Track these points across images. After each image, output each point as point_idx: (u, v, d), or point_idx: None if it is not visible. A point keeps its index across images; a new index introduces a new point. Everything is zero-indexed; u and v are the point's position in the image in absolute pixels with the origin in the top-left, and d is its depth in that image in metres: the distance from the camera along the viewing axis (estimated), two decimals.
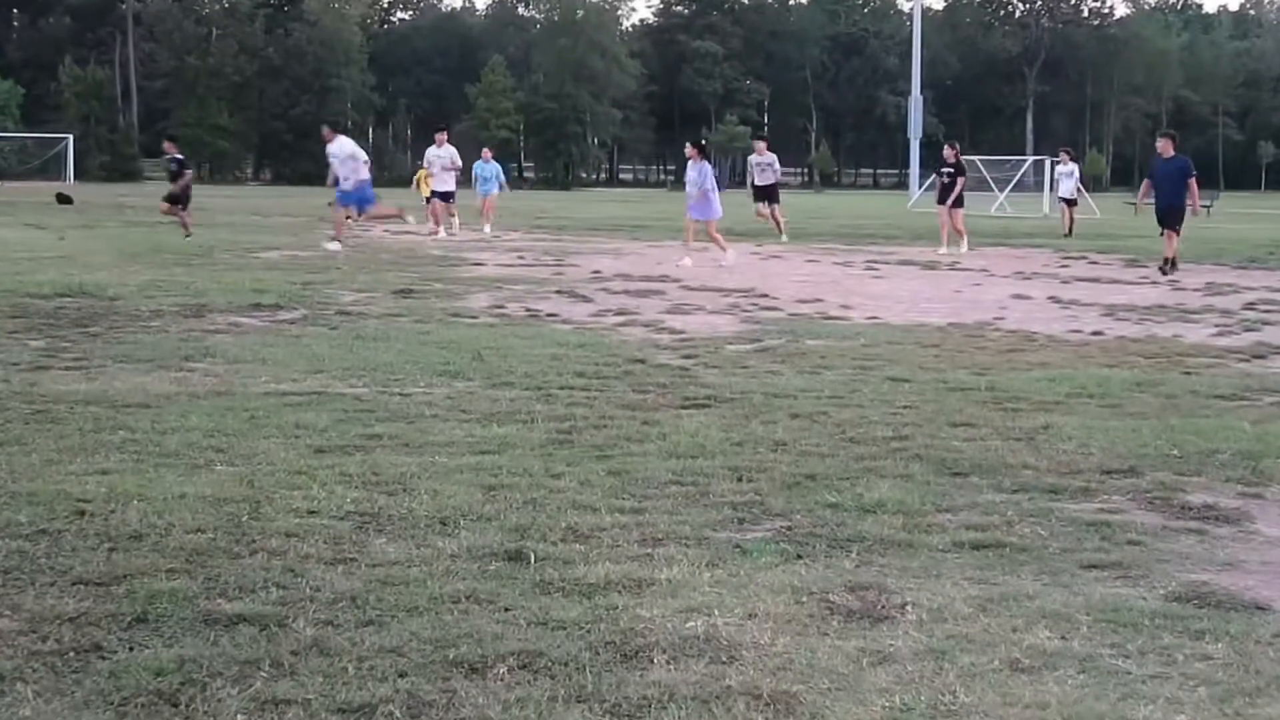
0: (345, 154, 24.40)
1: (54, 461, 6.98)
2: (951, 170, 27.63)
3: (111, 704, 3.98)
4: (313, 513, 6.05)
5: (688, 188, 22.70)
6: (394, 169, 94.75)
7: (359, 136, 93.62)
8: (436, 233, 29.19)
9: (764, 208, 30.45)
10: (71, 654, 4.34)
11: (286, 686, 4.11)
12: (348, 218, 25.28)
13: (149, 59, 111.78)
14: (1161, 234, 22.31)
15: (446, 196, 30.29)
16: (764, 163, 30.28)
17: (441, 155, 30.29)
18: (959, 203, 27.43)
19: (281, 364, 10.49)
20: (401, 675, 4.22)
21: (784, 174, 35.83)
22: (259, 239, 27.37)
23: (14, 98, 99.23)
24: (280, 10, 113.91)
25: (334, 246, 23.75)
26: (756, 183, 30.83)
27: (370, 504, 6.22)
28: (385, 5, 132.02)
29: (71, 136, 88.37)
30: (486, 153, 33.73)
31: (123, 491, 6.31)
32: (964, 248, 26.62)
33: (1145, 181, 23.78)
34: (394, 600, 4.91)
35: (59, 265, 19.32)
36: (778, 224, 30.18)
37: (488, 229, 30.95)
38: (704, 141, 23.19)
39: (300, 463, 7.04)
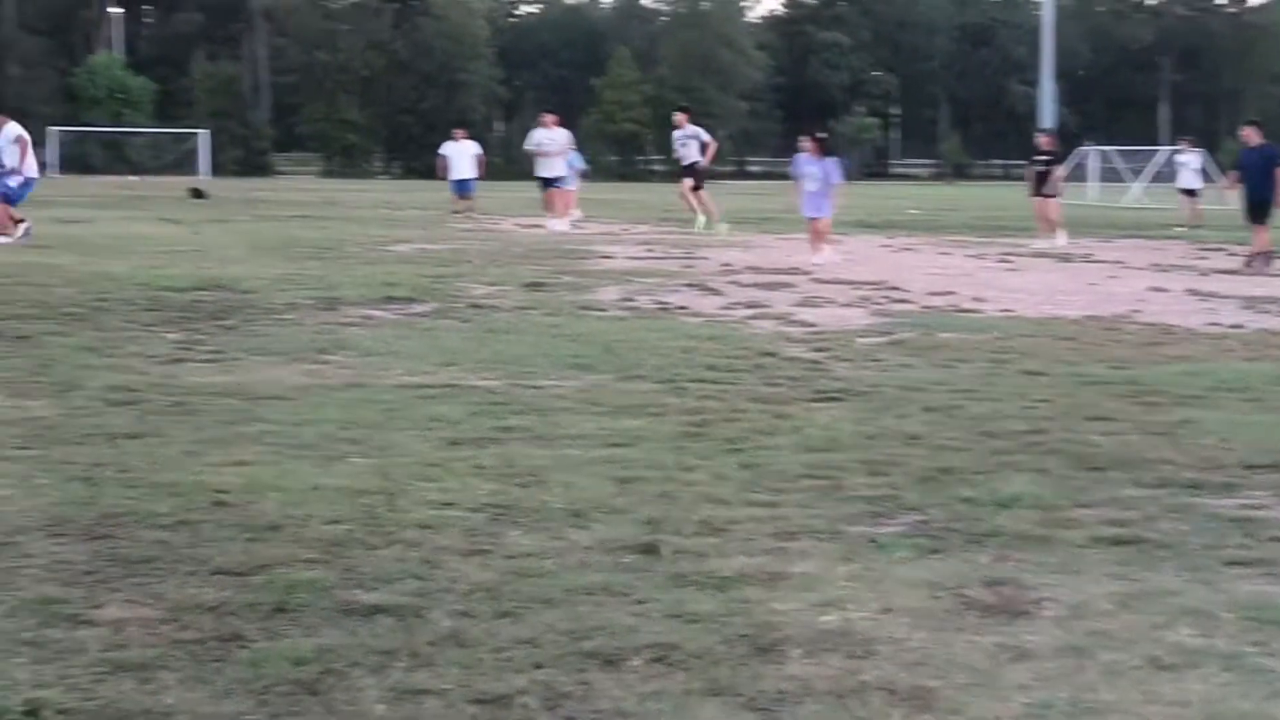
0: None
1: (193, 453, 7.07)
2: (1048, 159, 27.06)
3: (252, 692, 4.02)
4: (448, 505, 6.08)
5: (805, 183, 21.75)
6: (522, 162, 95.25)
7: (486, 130, 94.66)
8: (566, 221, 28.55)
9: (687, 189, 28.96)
10: (213, 642, 4.39)
11: (424, 677, 4.14)
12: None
13: (279, 54, 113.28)
14: (1252, 226, 21.65)
15: (554, 183, 29.44)
16: (684, 136, 28.92)
17: (554, 138, 29.14)
18: (1054, 192, 26.83)
19: (414, 357, 10.56)
20: (537, 666, 4.23)
21: (914, 164, 35.21)
22: (390, 233, 27.60)
23: (147, 93, 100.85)
24: (407, 5, 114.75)
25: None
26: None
27: (504, 496, 6.25)
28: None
29: (205, 131, 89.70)
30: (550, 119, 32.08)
31: (260, 483, 6.39)
32: (1060, 240, 25.94)
33: (1232, 172, 23.12)
34: (529, 592, 4.92)
35: (194, 259, 19.61)
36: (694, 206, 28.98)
37: (561, 221, 29.36)
38: (825, 135, 22.50)
39: (434, 455, 7.09)
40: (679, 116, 29.59)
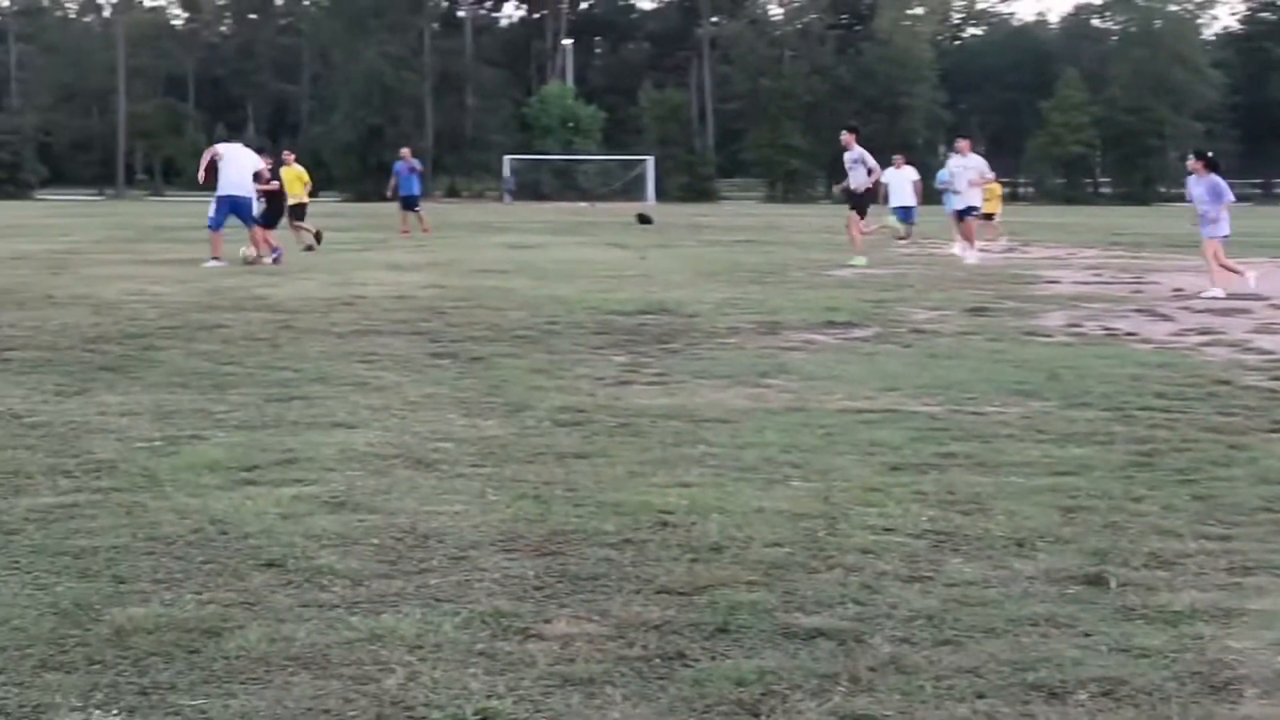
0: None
1: (637, 473, 7.22)
2: None
3: (695, 711, 4.07)
4: (888, 530, 6.05)
5: (1197, 206, 19.91)
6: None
7: (928, 154, 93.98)
8: (995, 247, 27.38)
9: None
10: (657, 660, 4.46)
11: (864, 702, 4.11)
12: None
13: (724, 81, 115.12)
14: None
15: (967, 212, 27.96)
16: (852, 160, 26.28)
17: (969, 165, 27.24)
18: None
19: (855, 381, 10.55)
20: (980, 696, 4.16)
21: None
22: (831, 257, 27.67)
23: (596, 122, 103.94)
24: (851, 30, 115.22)
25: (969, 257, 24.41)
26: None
27: (946, 523, 6.17)
28: (956, 22, 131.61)
29: (651, 158, 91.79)
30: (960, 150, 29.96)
31: (703, 504, 6.47)
32: None
33: None
34: (971, 620, 4.85)
35: (640, 283, 20.06)
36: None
37: (958, 249, 27.83)
38: (1210, 154, 21.21)
39: (875, 480, 7.06)
40: (847, 137, 26.97)
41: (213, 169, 23.92)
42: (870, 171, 26.30)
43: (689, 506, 6.43)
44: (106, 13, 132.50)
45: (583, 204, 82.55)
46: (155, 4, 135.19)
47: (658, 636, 4.68)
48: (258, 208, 24.78)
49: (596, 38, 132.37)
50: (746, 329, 14.16)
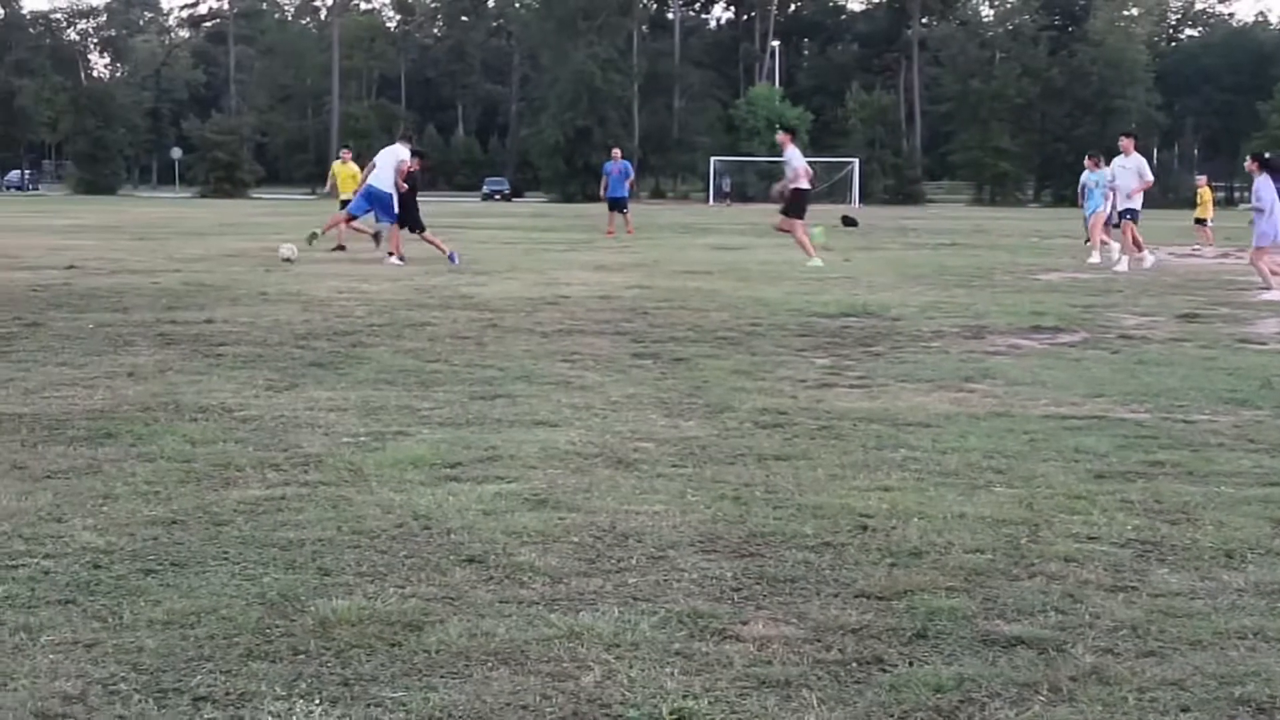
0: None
1: (837, 476, 7.18)
2: None
3: (891, 716, 4.03)
4: (1092, 539, 5.94)
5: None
6: (1179, 189, 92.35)
7: (1144, 155, 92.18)
8: (1141, 257, 25.85)
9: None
10: (854, 664, 4.43)
11: (1064, 712, 4.04)
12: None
13: (933, 83, 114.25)
14: None
15: (1126, 215, 26.80)
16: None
17: (1127, 167, 25.83)
18: None
19: (1061, 387, 10.38)
20: (1184, 710, 4.07)
21: None
22: (1039, 261, 27.29)
23: (803, 123, 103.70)
24: (1064, 31, 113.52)
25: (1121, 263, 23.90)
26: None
27: (1151, 532, 6.05)
28: (1173, 23, 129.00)
29: (857, 160, 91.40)
30: (1091, 161, 29.18)
31: (903, 508, 6.42)
32: None
33: None
34: (1176, 632, 4.74)
35: (844, 286, 19.96)
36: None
37: (1096, 256, 26.91)
38: (1268, 155, 20.30)
39: (1079, 487, 6.94)
40: (782, 137, 26.24)
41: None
42: (797, 175, 24.86)
43: (889, 510, 6.38)
44: (323, 15, 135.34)
45: (757, 205, 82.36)
46: (370, 6, 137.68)
47: (855, 640, 4.65)
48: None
49: (805, 39, 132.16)
50: (951, 333, 14.01)
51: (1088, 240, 28.43)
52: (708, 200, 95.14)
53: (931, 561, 5.59)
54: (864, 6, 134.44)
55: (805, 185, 25.05)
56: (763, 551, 5.74)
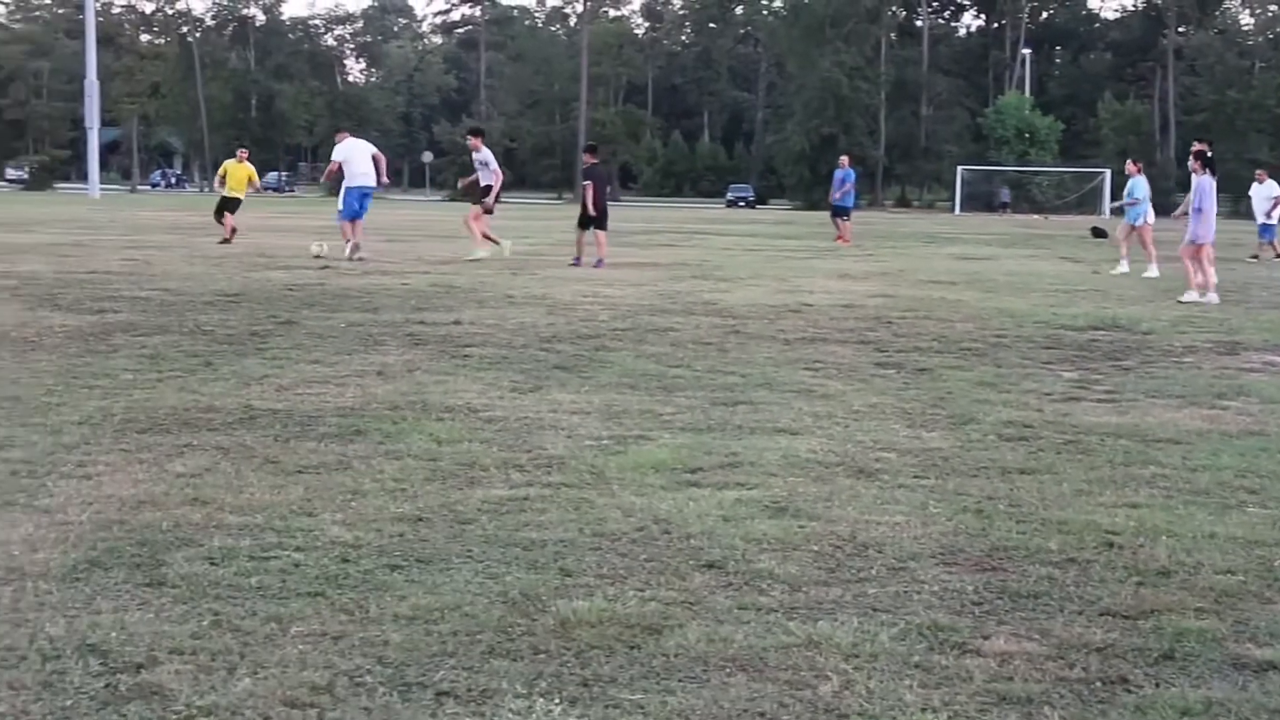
0: None
1: (1084, 492, 7.05)
2: None
3: None
4: None
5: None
6: None
7: None
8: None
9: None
10: (1097, 684, 4.35)
11: None
12: None
13: (1188, 93, 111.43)
14: None
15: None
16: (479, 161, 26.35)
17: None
18: None
19: None
20: None
21: None
22: None
23: (1054, 133, 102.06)
24: None
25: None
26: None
27: None
28: None
29: (1108, 171, 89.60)
30: (1132, 166, 27.86)
31: (1151, 526, 6.28)
32: None
33: None
34: None
35: (1092, 298, 19.59)
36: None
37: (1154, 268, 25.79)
38: (1210, 154, 19.48)
39: None
40: (473, 140, 27.61)
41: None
42: (494, 174, 26.32)
43: (1137, 528, 6.24)
44: (573, 22, 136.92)
45: (1035, 216, 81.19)
46: (619, 13, 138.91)
47: (1099, 659, 4.56)
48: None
49: (1056, 47, 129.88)
50: (1203, 348, 13.66)
51: None
52: (953, 209, 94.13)
53: (1180, 581, 5.45)
54: (1118, 14, 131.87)
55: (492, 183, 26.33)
56: (1005, 566, 5.66)
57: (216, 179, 32.24)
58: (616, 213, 29.95)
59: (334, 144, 27.26)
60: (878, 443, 8.29)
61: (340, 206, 26.31)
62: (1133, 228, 26.97)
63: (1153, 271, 25.53)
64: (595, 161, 27.14)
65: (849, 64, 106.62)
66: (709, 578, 5.41)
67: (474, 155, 26.62)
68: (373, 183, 26.17)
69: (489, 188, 26.06)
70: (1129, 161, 28.69)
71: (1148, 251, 26.37)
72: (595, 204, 25.28)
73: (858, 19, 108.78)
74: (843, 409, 9.51)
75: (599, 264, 24.28)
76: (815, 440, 8.30)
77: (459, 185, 30.83)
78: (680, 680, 4.31)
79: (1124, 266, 26.29)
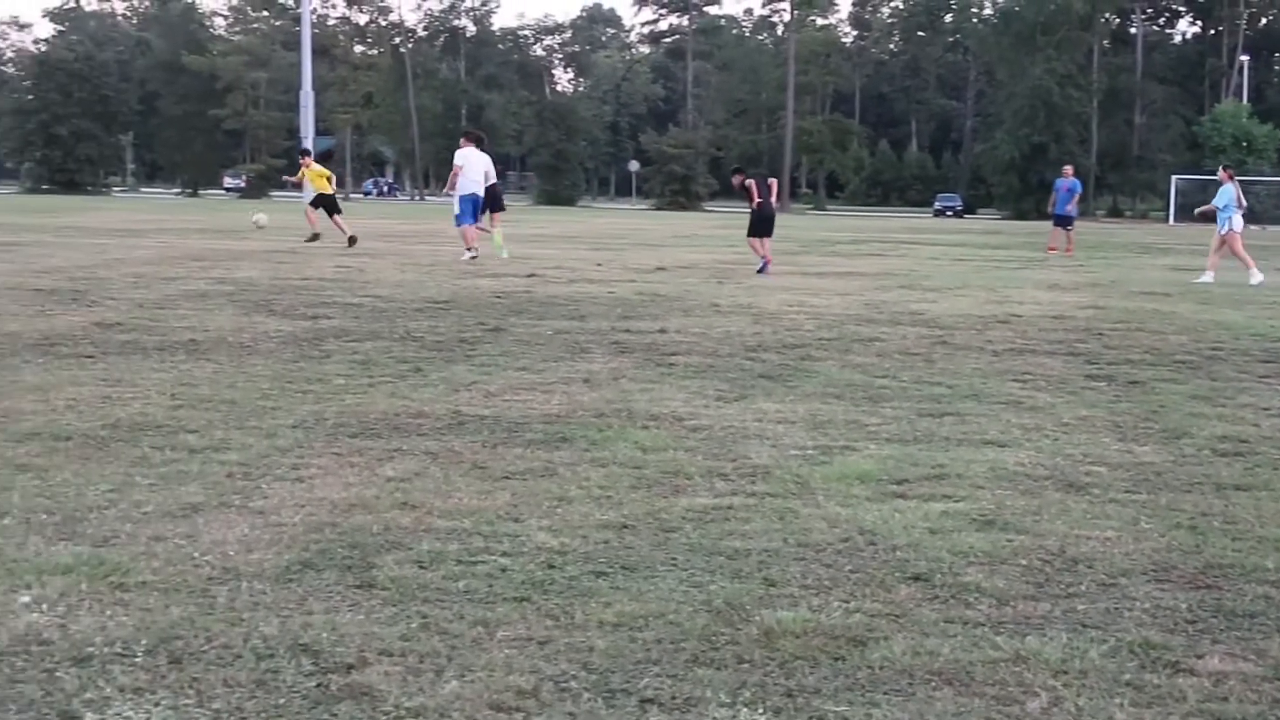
0: None
1: None
2: None
3: None
4: None
5: None
6: None
7: None
8: None
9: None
10: None
11: None
12: None
13: None
14: None
15: None
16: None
17: None
18: None
19: None
20: None
21: None
22: None
23: (1272, 141, 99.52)
24: None
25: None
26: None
27: None
28: None
29: None
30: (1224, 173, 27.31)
31: None
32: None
33: None
34: None
35: None
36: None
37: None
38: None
39: None
40: (464, 141, 28.72)
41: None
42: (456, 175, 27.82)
43: None
44: (780, 30, 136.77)
45: (1254, 227, 79.28)
46: (827, 22, 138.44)
47: None
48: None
49: (1276, 54, 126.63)
50: None
51: None
52: (1167, 219, 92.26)
53: None
54: None
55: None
56: (1220, 584, 5.53)
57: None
58: (821, 221, 29.81)
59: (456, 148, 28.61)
60: (1088, 456, 8.15)
61: (456, 212, 27.65)
62: (1223, 238, 26.42)
63: (1256, 278, 25.11)
64: (746, 176, 27.15)
65: (1060, 71, 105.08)
66: (915, 590, 5.36)
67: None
68: (482, 191, 27.58)
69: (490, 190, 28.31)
70: (1220, 168, 28.70)
71: (1241, 260, 25.81)
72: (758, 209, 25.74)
73: (1069, 26, 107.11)
74: (1052, 421, 9.37)
75: (764, 268, 24.90)
76: (1024, 453, 8.19)
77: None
78: (885, 693, 4.28)
79: (1208, 277, 25.72)
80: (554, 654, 4.55)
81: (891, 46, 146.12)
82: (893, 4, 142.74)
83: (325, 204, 32.90)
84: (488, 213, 28.42)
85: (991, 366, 12.25)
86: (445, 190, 29.61)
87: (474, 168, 27.43)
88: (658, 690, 4.25)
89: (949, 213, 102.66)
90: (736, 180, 26.40)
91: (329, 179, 33.41)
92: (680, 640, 4.70)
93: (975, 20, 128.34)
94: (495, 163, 28.86)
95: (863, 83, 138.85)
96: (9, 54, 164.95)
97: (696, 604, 5.10)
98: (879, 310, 17.59)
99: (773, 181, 26.99)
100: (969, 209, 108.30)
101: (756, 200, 25.40)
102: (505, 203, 28.97)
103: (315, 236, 32.29)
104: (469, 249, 26.76)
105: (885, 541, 6.04)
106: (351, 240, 30.90)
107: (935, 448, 8.30)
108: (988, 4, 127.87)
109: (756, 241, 25.81)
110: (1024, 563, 5.77)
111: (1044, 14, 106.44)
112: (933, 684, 4.36)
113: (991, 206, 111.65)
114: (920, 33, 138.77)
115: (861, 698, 4.23)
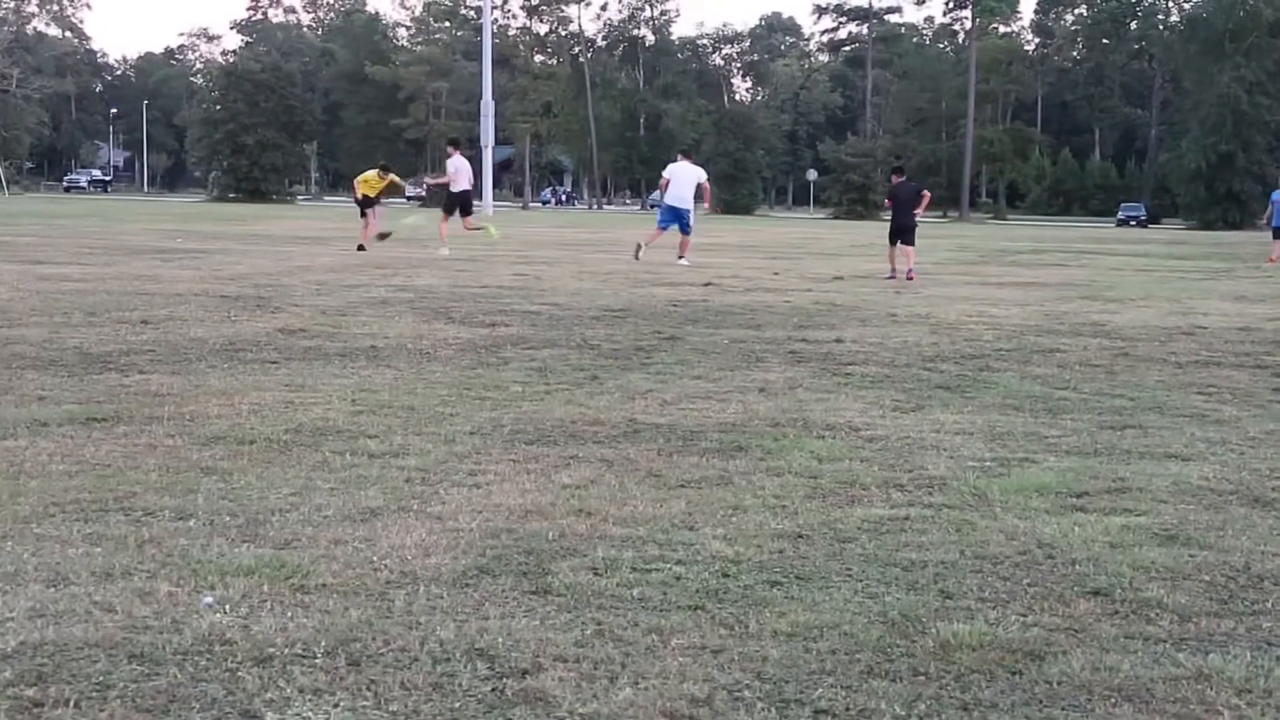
0: None
1: None
2: None
3: None
4: None
5: None
6: None
7: None
8: None
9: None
10: None
11: None
12: None
13: None
14: None
15: None
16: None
17: None
18: None
19: None
20: None
21: None
22: None
23: None
24: None
25: None
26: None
27: None
28: None
29: None
30: None
31: None
32: None
33: None
34: None
35: None
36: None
37: None
38: None
39: None
40: (451, 150, 33.12)
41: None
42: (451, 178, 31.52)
43: None
44: (961, 38, 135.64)
45: None
46: (1009, 29, 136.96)
47: None
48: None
49: None
50: None
51: None
52: None
53: None
54: None
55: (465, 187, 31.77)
56: None
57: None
58: (1001, 231, 29.62)
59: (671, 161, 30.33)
60: (1275, 471, 7.96)
61: (660, 218, 30.08)
62: None
63: None
64: (902, 180, 28.86)
65: (1249, 79, 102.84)
66: (1094, 605, 5.28)
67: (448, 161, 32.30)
68: (688, 206, 29.24)
69: (466, 193, 31.85)
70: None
71: None
72: (896, 219, 26.83)
73: (1259, 33, 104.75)
74: (1237, 435, 9.17)
75: (909, 275, 25.55)
76: (1208, 467, 8.03)
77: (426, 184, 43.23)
78: (1063, 708, 4.22)
79: None
80: (728, 663, 4.54)
81: (1075, 54, 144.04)
82: (1077, 11, 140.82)
83: (367, 205, 32.55)
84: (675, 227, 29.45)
85: (1175, 379, 12.02)
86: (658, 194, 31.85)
87: (681, 185, 28.91)
88: (831, 701, 4.22)
89: (1132, 222, 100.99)
90: (893, 181, 28.48)
91: (380, 182, 33.11)
92: (855, 651, 4.67)
93: (1161, 28, 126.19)
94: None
95: (1045, 91, 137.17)
96: (198, 65, 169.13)
97: (871, 615, 5.07)
98: (1059, 321, 17.35)
99: (925, 194, 28.29)
100: (1153, 219, 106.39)
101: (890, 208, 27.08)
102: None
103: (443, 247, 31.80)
104: (680, 258, 28.06)
105: (1064, 555, 5.95)
106: (360, 247, 30.81)
107: (1116, 460, 8.16)
108: (1175, 11, 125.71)
109: (892, 250, 26.47)
110: (1207, 579, 5.65)
111: (1233, 21, 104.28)
112: (1112, 700, 4.29)
113: (1177, 216, 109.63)
114: (1105, 40, 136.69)
115: (1039, 713, 4.18)
